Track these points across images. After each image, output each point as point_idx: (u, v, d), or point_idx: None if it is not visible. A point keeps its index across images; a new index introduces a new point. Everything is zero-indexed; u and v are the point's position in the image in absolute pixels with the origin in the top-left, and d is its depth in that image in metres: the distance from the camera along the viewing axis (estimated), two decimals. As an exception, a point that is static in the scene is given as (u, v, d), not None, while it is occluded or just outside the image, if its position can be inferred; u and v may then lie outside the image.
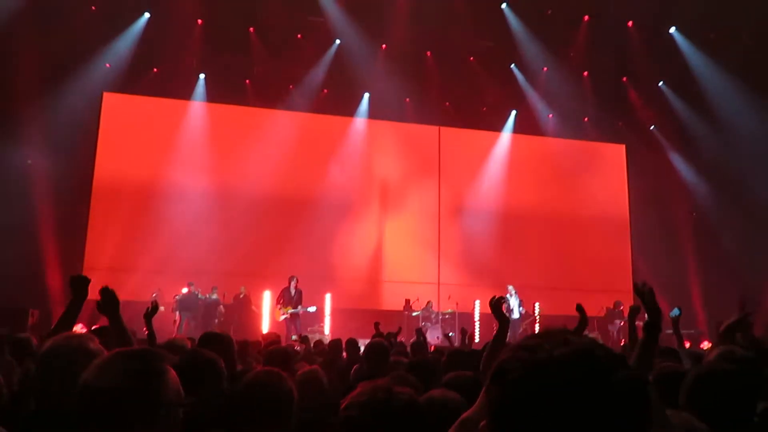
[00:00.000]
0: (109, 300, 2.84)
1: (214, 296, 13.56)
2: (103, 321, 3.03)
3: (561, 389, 0.80)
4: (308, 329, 12.92)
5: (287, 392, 2.12)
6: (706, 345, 12.92)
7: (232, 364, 3.20)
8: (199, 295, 13.51)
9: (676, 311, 4.49)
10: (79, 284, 2.82)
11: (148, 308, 4.06)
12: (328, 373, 3.57)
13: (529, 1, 13.98)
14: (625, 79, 16.27)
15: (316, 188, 15.61)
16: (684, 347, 4.53)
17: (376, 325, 7.17)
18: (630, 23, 14.51)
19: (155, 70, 14.69)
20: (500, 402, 0.85)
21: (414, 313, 14.54)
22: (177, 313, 13.07)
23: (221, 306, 13.48)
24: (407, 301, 14.79)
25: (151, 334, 4.12)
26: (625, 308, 14.32)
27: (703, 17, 13.54)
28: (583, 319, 4.06)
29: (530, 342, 0.88)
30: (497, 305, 3.02)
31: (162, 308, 13.49)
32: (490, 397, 0.87)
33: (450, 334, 8.74)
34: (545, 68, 15.74)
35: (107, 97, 14.88)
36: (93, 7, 13.26)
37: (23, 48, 12.50)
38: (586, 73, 16.00)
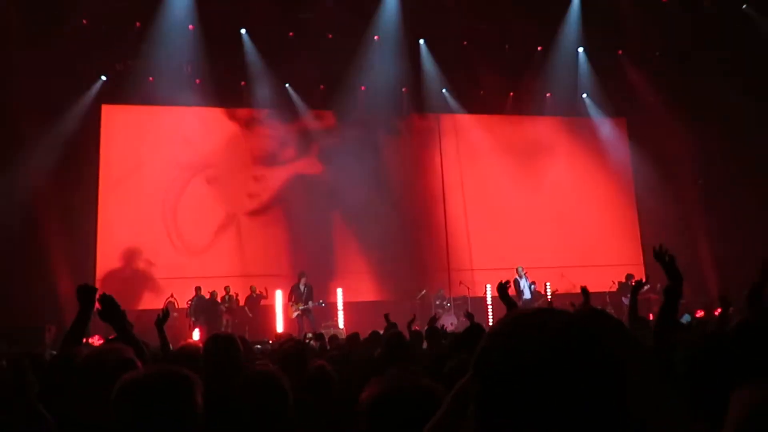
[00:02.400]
0: (109, 308, 2.84)
1: (217, 298, 13.58)
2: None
3: (537, 375, 0.81)
4: (322, 325, 12.99)
5: (283, 391, 2.18)
6: (719, 312, 12.92)
7: (238, 362, 3.21)
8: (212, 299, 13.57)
9: (686, 318, 4.58)
10: (85, 294, 2.83)
11: (159, 315, 4.04)
12: (342, 368, 3.61)
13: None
14: (620, 52, 16.19)
15: (319, 183, 15.64)
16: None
17: (386, 316, 7.21)
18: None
19: (150, 79, 14.72)
20: (482, 393, 0.86)
21: (420, 294, 14.51)
22: (192, 318, 13.15)
23: (222, 306, 13.51)
24: (419, 290, 14.83)
25: (164, 342, 4.12)
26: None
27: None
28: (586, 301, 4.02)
29: (506, 328, 0.88)
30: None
31: (176, 314, 13.63)
32: (474, 388, 0.88)
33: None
34: (540, 47, 15.67)
35: (105, 109, 14.94)
36: (84, 21, 13.27)
37: (16, 66, 12.56)
38: (581, 49, 15.92)
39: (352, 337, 6.68)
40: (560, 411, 0.80)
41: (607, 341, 0.86)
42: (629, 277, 14.80)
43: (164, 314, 4.02)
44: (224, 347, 3.19)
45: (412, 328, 6.77)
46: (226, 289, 13.71)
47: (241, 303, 13.90)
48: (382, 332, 6.57)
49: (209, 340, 3.34)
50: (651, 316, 11.73)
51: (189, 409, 1.62)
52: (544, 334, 0.84)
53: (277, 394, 2.16)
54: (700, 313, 12.68)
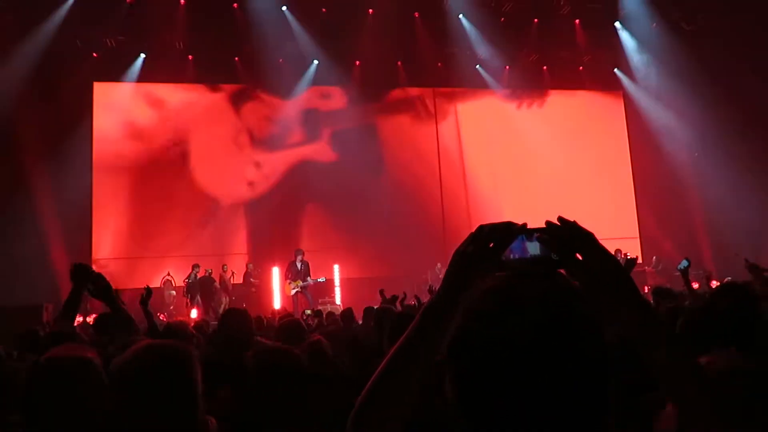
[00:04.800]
0: (101, 286, 2.84)
1: (207, 274, 13.58)
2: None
3: (517, 356, 0.79)
4: (319, 301, 13.03)
5: (296, 365, 2.16)
6: (715, 284, 13.03)
7: (250, 336, 3.30)
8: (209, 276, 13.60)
9: (684, 263, 4.63)
10: (78, 273, 2.83)
11: (142, 295, 3.99)
12: (334, 344, 3.65)
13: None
14: (617, 24, 16.06)
15: (314, 160, 15.58)
16: (693, 291, 4.64)
17: (381, 291, 7.31)
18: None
19: (142, 56, 14.56)
20: (460, 378, 0.83)
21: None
22: (188, 296, 13.19)
23: (216, 283, 13.53)
24: (415, 266, 14.86)
25: (150, 320, 4.11)
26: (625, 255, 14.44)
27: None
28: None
29: (480, 307, 0.85)
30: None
31: (173, 292, 13.67)
32: (449, 370, 0.85)
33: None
34: (536, 20, 15.51)
35: (97, 86, 14.79)
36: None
37: (6, 43, 12.42)
38: (577, 22, 15.77)
39: (347, 313, 6.74)
40: (543, 392, 0.79)
41: (586, 310, 0.84)
42: (616, 252, 14.90)
43: (146, 293, 3.96)
44: (239, 321, 3.27)
45: (405, 303, 6.86)
46: (223, 267, 13.75)
47: (239, 280, 13.95)
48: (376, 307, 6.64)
49: (226, 314, 3.42)
50: (646, 289, 11.84)
51: (188, 382, 1.58)
52: (523, 312, 0.81)
53: (291, 369, 2.15)
54: (695, 285, 12.76)
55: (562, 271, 0.96)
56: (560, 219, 1.01)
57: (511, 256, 1.01)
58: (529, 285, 0.85)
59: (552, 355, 0.79)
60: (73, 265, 2.85)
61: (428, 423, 1.40)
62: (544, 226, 1.01)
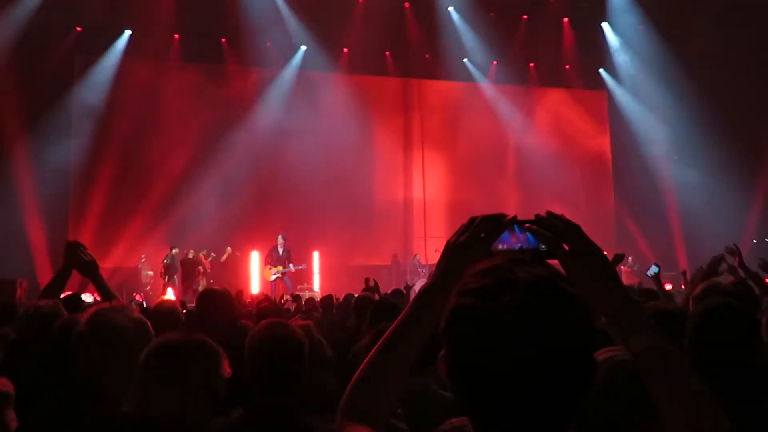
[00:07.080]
0: (89, 260, 2.82)
1: (191, 256, 13.53)
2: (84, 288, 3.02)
3: (510, 337, 0.81)
4: (298, 287, 13.02)
5: (299, 342, 2.14)
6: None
7: (233, 317, 3.30)
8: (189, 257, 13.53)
9: (654, 269, 4.68)
10: (71, 250, 2.82)
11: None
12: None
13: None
14: (604, 24, 16.18)
15: (298, 146, 15.49)
16: (667, 295, 4.69)
17: (367, 280, 7.33)
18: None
19: (129, 32, 14.35)
20: (455, 353, 0.86)
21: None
22: (165, 277, 13.10)
23: (201, 266, 13.48)
24: (395, 255, 14.92)
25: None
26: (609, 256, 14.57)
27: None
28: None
29: (478, 282, 0.87)
30: None
31: (151, 273, 13.58)
32: (445, 346, 0.88)
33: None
34: (525, 16, 15.57)
35: (79, 61, 14.53)
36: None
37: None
38: (566, 20, 15.86)
39: (326, 299, 6.78)
40: (533, 366, 0.81)
41: (577, 298, 0.86)
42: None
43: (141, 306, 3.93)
44: (216, 301, 3.27)
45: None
46: (202, 252, 13.66)
47: (219, 264, 13.88)
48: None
49: (202, 294, 3.42)
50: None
51: (217, 380, 1.68)
52: (515, 289, 0.84)
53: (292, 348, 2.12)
54: (668, 286, 12.98)
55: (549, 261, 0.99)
56: (548, 213, 1.05)
57: (500, 247, 1.04)
58: (521, 266, 0.88)
59: (542, 330, 0.81)
60: (66, 243, 2.84)
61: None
62: (533, 218, 1.04)
